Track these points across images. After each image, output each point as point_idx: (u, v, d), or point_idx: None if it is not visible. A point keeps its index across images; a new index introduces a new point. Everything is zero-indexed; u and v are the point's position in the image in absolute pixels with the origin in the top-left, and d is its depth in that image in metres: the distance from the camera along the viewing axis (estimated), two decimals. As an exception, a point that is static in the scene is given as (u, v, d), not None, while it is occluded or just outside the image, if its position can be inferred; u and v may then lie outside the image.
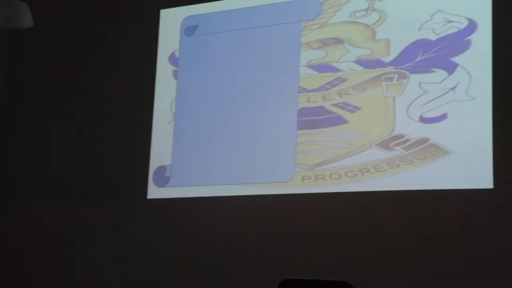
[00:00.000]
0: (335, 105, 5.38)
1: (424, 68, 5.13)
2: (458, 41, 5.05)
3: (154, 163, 5.93)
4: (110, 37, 6.36)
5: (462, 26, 5.06)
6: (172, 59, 6.05)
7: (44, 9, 6.33)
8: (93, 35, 6.45)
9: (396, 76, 5.20)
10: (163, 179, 5.88)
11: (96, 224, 6.08)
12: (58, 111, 6.47)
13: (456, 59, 5.04)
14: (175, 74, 6.01)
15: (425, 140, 5.04)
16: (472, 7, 5.06)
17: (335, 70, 5.41)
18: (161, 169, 5.90)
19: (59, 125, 6.43)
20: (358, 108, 5.30)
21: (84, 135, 6.32)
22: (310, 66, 5.51)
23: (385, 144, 5.15)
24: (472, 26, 5.03)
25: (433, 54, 5.12)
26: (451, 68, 5.04)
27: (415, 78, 5.13)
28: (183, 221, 5.75)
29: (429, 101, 5.06)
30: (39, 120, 6.54)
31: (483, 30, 4.99)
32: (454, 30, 5.08)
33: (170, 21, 6.12)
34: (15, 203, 6.47)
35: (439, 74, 5.07)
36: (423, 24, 5.18)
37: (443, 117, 5.02)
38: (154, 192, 5.90)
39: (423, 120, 5.07)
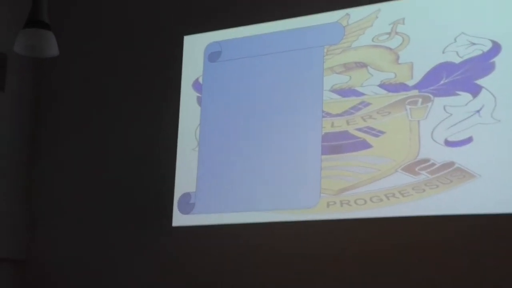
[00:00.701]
0: (359, 129, 5.35)
1: (448, 91, 5.08)
2: (482, 64, 5.00)
3: (178, 190, 5.92)
4: (134, 63, 6.39)
5: (486, 49, 5.01)
6: (196, 86, 6.06)
7: (69, 38, 6.39)
8: (117, 62, 6.48)
9: (420, 99, 5.16)
10: (188, 206, 5.86)
11: (121, 251, 6.08)
12: (82, 138, 6.50)
13: (480, 82, 4.98)
14: (199, 100, 6.02)
15: (451, 164, 4.98)
16: (496, 29, 5.01)
17: (359, 94, 5.38)
18: (185, 196, 5.89)
19: (84, 151, 6.46)
20: (382, 133, 5.26)
21: (108, 162, 6.33)
22: (334, 91, 5.49)
23: (410, 169, 5.10)
24: (496, 48, 4.98)
25: (457, 77, 5.07)
26: (475, 91, 4.99)
27: (440, 101, 5.09)
28: (208, 248, 5.73)
29: (454, 124, 5.01)
30: (63, 145, 6.58)
31: (507, 52, 4.94)
32: (478, 52, 5.04)
33: (194, 47, 6.13)
34: (41, 228, 6.50)
35: (464, 97, 5.02)
36: (446, 47, 5.14)
37: (468, 140, 4.96)
38: (179, 219, 5.88)
39: (448, 143, 5.02)
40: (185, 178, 5.93)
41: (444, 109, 5.06)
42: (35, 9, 4.58)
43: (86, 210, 6.33)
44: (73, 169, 6.49)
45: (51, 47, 4.66)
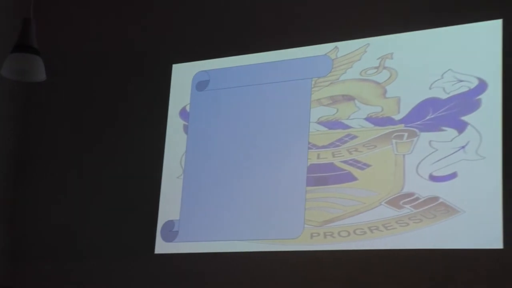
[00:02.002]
0: (344, 162, 5.37)
1: (434, 126, 5.12)
2: (468, 100, 5.06)
3: (162, 218, 5.91)
4: (122, 91, 6.40)
5: (472, 86, 5.07)
6: (183, 114, 6.07)
7: (57, 63, 6.39)
8: (105, 89, 6.48)
9: (406, 134, 5.20)
10: (171, 234, 5.85)
11: (104, 279, 6.04)
12: (67, 165, 6.48)
13: (466, 118, 5.04)
14: (186, 128, 6.03)
15: (435, 198, 5.01)
16: (482, 67, 5.07)
17: (345, 127, 5.42)
18: (169, 224, 5.88)
19: (68, 178, 6.44)
20: (367, 166, 5.29)
21: (93, 188, 6.31)
22: (320, 123, 5.52)
23: (394, 202, 5.13)
24: (482, 86, 5.04)
25: (443, 112, 5.12)
26: (461, 127, 5.04)
27: (425, 136, 5.13)
28: (190, 277, 5.70)
29: (439, 160, 5.05)
30: (48, 173, 6.55)
31: (493, 89, 5.00)
32: (464, 89, 5.09)
33: (182, 75, 6.16)
34: (23, 260, 6.44)
35: (449, 132, 5.07)
36: (433, 83, 5.19)
37: (453, 175, 5.00)
38: (161, 247, 5.86)
39: (432, 178, 5.05)
40: (169, 206, 5.93)
41: (430, 144, 5.11)
42: (24, 34, 4.57)
43: (69, 236, 6.28)
44: (57, 196, 6.45)
45: (39, 72, 4.64)
